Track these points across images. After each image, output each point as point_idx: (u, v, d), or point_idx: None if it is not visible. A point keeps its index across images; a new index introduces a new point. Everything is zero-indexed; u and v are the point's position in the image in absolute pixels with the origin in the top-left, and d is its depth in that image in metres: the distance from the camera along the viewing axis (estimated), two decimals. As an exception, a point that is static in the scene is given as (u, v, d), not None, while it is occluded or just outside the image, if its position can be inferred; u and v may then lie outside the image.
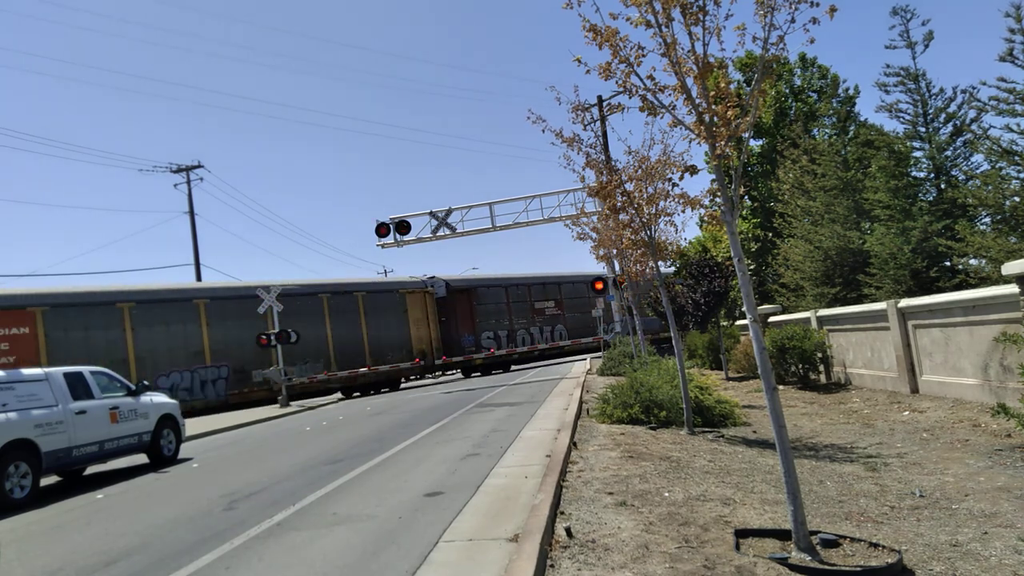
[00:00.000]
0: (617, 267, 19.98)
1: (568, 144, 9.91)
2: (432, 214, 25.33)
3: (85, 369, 10.85)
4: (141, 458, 12.05)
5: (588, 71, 5.27)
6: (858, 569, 4.05)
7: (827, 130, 26.75)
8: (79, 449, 9.92)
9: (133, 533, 6.38)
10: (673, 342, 9.84)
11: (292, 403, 23.49)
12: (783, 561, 4.17)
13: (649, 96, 4.92)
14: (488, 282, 33.08)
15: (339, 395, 27.15)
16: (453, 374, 33.65)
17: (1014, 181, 16.75)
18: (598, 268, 27.26)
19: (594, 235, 13.94)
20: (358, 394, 27.07)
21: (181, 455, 12.39)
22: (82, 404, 10.15)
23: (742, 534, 4.71)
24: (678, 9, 4.43)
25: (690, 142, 4.88)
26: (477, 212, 25.47)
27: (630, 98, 5.03)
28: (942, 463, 7.13)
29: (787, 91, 31.76)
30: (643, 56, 4.87)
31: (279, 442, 12.88)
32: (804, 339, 14.97)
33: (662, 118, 5.32)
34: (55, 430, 9.51)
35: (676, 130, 6.26)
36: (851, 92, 27.16)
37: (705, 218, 23.71)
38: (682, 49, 4.49)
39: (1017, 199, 16.13)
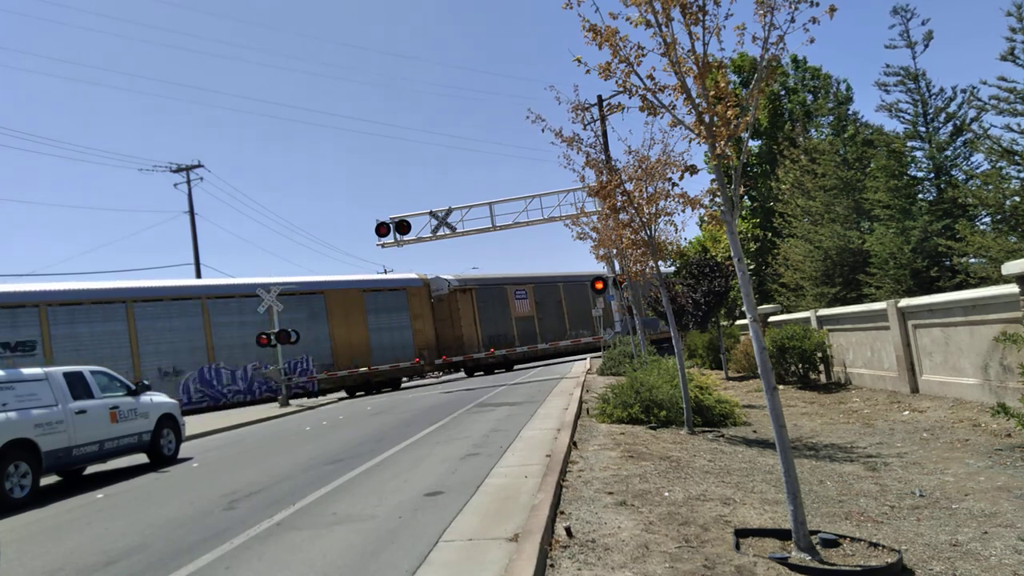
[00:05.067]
0: (617, 267, 19.98)
1: (568, 144, 9.90)
2: (432, 214, 25.35)
3: (85, 369, 10.85)
4: (141, 458, 12.06)
5: (588, 71, 5.26)
6: (858, 569, 4.05)
7: (824, 130, 26.79)
8: (79, 449, 9.92)
9: (133, 533, 6.39)
10: (673, 342, 9.83)
11: (292, 402, 23.52)
12: (783, 561, 4.17)
13: (649, 96, 4.92)
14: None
15: (342, 394, 27.14)
16: (455, 373, 33.56)
17: (1014, 181, 16.78)
18: (598, 267, 27.28)
19: (594, 235, 13.93)
20: (361, 393, 27.15)
21: (181, 455, 12.39)
22: (82, 404, 10.15)
23: (742, 534, 4.72)
24: (678, 9, 4.42)
25: (690, 142, 4.89)
26: (477, 212, 25.53)
27: (630, 98, 5.03)
28: (942, 463, 7.13)
29: (782, 92, 31.80)
30: (643, 56, 4.86)
31: (279, 442, 12.89)
32: (804, 339, 14.96)
33: (662, 118, 5.32)
34: (55, 430, 9.51)
35: (676, 130, 6.26)
36: (845, 93, 27.18)
37: (705, 218, 23.69)
38: (682, 49, 4.49)
39: (1017, 199, 16.15)
